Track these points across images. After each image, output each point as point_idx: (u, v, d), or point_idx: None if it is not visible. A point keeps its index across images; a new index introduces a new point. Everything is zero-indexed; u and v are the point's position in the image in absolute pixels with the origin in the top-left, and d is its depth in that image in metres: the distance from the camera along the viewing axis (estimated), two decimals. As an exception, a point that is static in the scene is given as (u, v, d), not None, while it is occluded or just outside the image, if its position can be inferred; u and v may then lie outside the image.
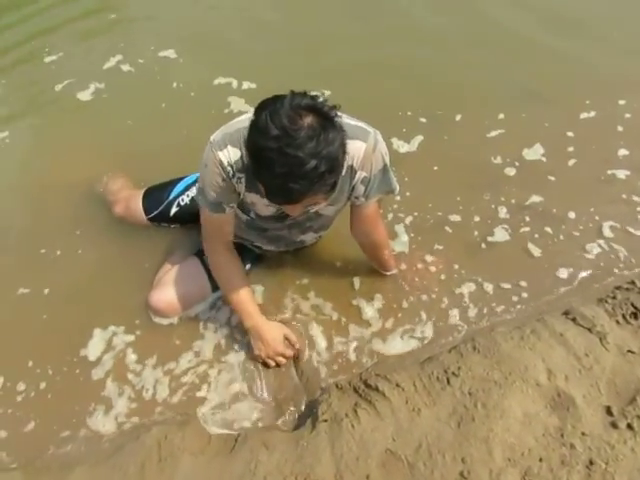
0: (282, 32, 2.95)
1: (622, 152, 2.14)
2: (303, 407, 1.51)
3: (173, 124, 2.41)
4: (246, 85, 2.60)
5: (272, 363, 1.58)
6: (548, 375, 1.37)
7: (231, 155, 1.34)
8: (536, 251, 1.83)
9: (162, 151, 2.24)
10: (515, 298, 1.71)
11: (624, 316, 1.52)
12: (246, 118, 1.35)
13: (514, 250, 1.85)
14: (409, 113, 2.38)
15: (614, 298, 1.58)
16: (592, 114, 2.30)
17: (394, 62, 2.66)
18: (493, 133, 2.27)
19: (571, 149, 2.17)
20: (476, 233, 1.91)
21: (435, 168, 2.14)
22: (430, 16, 2.94)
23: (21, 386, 1.61)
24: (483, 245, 1.87)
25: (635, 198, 1.97)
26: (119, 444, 1.43)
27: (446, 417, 1.32)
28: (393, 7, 3.06)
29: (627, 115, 2.29)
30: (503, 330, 1.53)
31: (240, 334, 1.67)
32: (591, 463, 1.18)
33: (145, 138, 2.35)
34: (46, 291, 1.84)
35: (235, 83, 2.62)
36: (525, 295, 1.72)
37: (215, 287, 1.71)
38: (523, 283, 1.75)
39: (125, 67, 2.79)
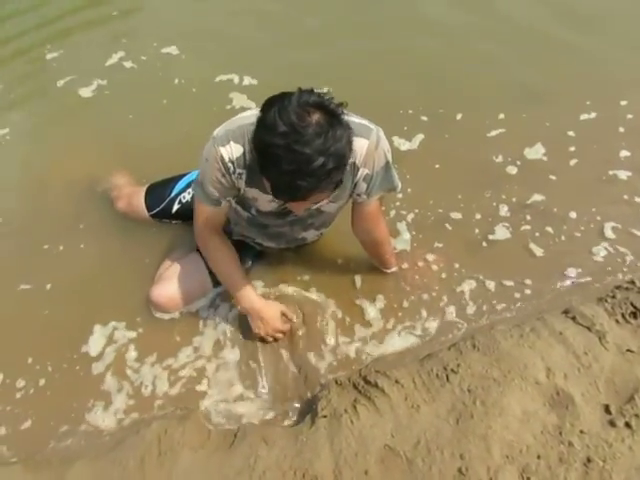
0: (284, 28, 2.95)
1: (624, 153, 2.13)
2: (302, 403, 1.52)
3: (175, 120, 2.42)
4: (247, 81, 2.60)
5: (270, 339, 1.62)
6: (547, 373, 1.38)
7: (233, 151, 1.34)
8: (537, 250, 1.84)
9: (164, 147, 2.24)
10: (515, 296, 1.72)
11: (623, 315, 1.52)
12: (249, 114, 1.36)
13: (515, 248, 1.85)
14: (410, 111, 2.38)
15: (614, 297, 1.58)
16: (593, 115, 2.30)
17: (395, 60, 2.66)
18: (494, 132, 2.27)
19: (572, 149, 2.17)
20: (477, 231, 1.91)
21: (437, 166, 2.14)
22: (433, 15, 2.94)
23: (21, 382, 1.62)
24: (484, 243, 1.87)
25: (637, 199, 1.97)
26: (119, 438, 1.44)
27: (445, 414, 1.32)
28: (395, 6, 3.06)
29: (629, 116, 2.28)
30: (503, 328, 1.54)
31: (240, 329, 1.67)
32: (589, 461, 1.19)
33: (147, 134, 2.36)
34: (48, 286, 1.85)
35: (237, 79, 2.62)
36: (525, 294, 1.72)
37: (216, 283, 1.72)
38: (523, 282, 1.75)
39: (127, 63, 2.80)
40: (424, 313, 1.69)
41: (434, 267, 1.81)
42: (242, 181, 1.41)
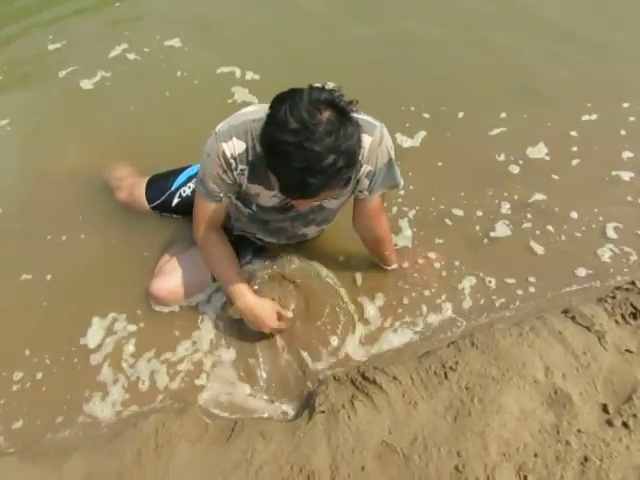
0: (287, 23, 2.95)
1: (626, 154, 2.13)
2: (300, 398, 1.52)
3: (177, 113, 2.41)
4: (249, 75, 2.60)
5: (267, 331, 1.59)
6: (545, 372, 1.38)
7: (236, 147, 1.34)
8: (538, 249, 1.84)
9: (165, 140, 2.24)
10: (515, 295, 1.72)
11: (623, 316, 1.52)
12: (252, 110, 1.36)
13: (515, 247, 1.85)
14: (412, 108, 2.37)
15: (614, 298, 1.58)
16: (594, 116, 2.30)
17: (398, 57, 2.66)
18: (495, 131, 2.27)
19: (575, 149, 2.17)
20: (478, 228, 1.91)
21: (439, 164, 2.14)
22: (434, 15, 2.93)
23: (19, 374, 1.62)
24: (485, 240, 1.87)
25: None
26: (117, 430, 1.44)
27: (442, 411, 1.32)
28: (399, 4, 3.04)
29: (631, 118, 2.28)
30: (502, 327, 1.54)
31: (239, 324, 1.67)
32: (586, 460, 1.19)
33: (149, 126, 2.35)
34: (48, 277, 1.85)
35: (239, 73, 2.62)
36: (525, 292, 1.72)
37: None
38: (523, 280, 1.75)
39: (130, 55, 2.79)
40: (423, 310, 1.69)
41: (435, 265, 1.80)
42: (244, 177, 1.40)
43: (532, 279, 1.75)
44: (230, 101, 2.47)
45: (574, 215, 1.92)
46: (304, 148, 1.06)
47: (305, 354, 1.60)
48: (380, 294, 1.74)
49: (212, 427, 1.42)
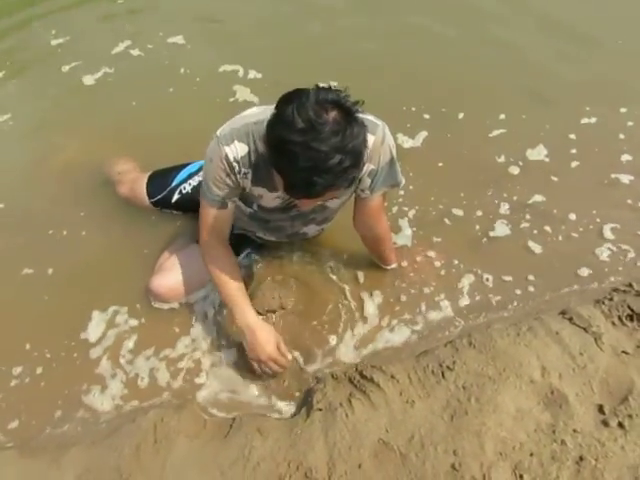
0: (289, 21, 2.95)
1: (625, 157, 2.13)
2: (298, 396, 1.52)
3: (179, 110, 2.42)
4: (252, 74, 2.60)
5: (262, 369, 1.49)
6: (542, 372, 1.39)
7: (238, 150, 1.33)
8: (536, 248, 1.84)
9: (166, 137, 2.24)
10: (513, 295, 1.72)
11: (620, 317, 1.53)
12: (253, 112, 1.36)
13: (514, 247, 1.85)
14: (413, 109, 2.38)
15: (611, 300, 1.58)
16: (593, 120, 2.30)
17: (399, 57, 2.66)
18: (495, 132, 2.28)
19: (574, 151, 2.18)
20: (477, 227, 1.92)
21: (440, 164, 2.14)
22: (437, 15, 2.93)
23: (18, 368, 1.62)
24: (484, 240, 1.88)
25: (639, 203, 1.97)
26: (115, 425, 1.45)
27: (439, 410, 1.33)
28: (402, 5, 3.05)
29: (629, 123, 2.28)
30: (499, 327, 1.55)
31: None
32: (581, 459, 1.20)
33: (151, 123, 2.36)
34: (49, 271, 1.86)
35: (241, 71, 2.62)
36: (523, 292, 1.73)
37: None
38: (522, 280, 1.76)
39: (134, 52, 2.80)
40: (421, 309, 1.70)
41: (435, 263, 1.81)
42: (248, 180, 1.40)
43: (530, 279, 1.76)
44: (232, 100, 2.48)
45: (572, 217, 1.93)
46: (311, 148, 1.06)
47: (304, 352, 1.61)
48: (379, 292, 1.74)
49: (210, 423, 1.43)
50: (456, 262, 1.81)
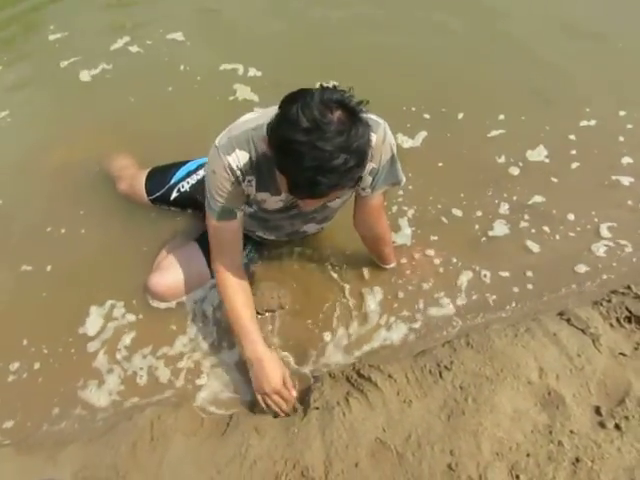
0: (290, 19, 2.94)
1: (626, 160, 2.13)
2: (295, 394, 1.52)
3: (178, 107, 2.42)
4: (252, 72, 2.60)
5: (266, 402, 1.44)
6: (540, 373, 1.39)
7: (240, 158, 1.33)
8: (535, 247, 1.84)
9: (165, 135, 2.24)
10: (511, 296, 1.72)
11: (618, 319, 1.53)
12: (250, 118, 1.35)
13: (513, 248, 1.85)
14: (413, 109, 2.38)
15: (609, 301, 1.58)
16: (592, 122, 2.30)
17: (399, 56, 2.66)
18: (494, 133, 2.28)
19: (574, 152, 2.17)
20: (477, 227, 1.92)
21: (439, 164, 2.14)
22: (437, 15, 2.93)
23: (15, 364, 1.63)
24: (483, 239, 1.88)
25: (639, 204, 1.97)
26: (112, 423, 1.45)
27: (437, 410, 1.33)
28: (403, 3, 3.05)
29: (629, 126, 2.27)
30: (497, 327, 1.55)
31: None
32: (577, 460, 1.20)
33: (150, 120, 2.36)
34: (48, 268, 1.86)
35: (241, 69, 2.62)
36: (522, 293, 1.73)
37: (214, 273, 1.72)
38: (520, 281, 1.76)
39: (133, 48, 2.79)
40: (419, 309, 1.70)
41: (433, 261, 1.81)
42: (252, 187, 1.40)
43: (529, 278, 1.76)
44: (231, 98, 2.48)
45: (571, 217, 1.93)
46: (315, 147, 1.05)
47: (302, 350, 1.61)
48: (377, 291, 1.74)
49: (207, 421, 1.43)
50: (454, 260, 1.82)
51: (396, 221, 1.92)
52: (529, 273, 1.77)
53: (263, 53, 2.70)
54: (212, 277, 1.73)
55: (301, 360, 1.60)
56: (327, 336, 1.65)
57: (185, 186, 1.83)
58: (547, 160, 2.15)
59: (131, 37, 2.84)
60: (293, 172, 1.12)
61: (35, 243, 1.94)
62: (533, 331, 1.50)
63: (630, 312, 1.53)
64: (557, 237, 1.88)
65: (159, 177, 1.89)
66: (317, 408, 1.37)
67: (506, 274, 1.78)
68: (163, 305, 1.73)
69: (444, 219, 1.95)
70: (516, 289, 1.74)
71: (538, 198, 2.00)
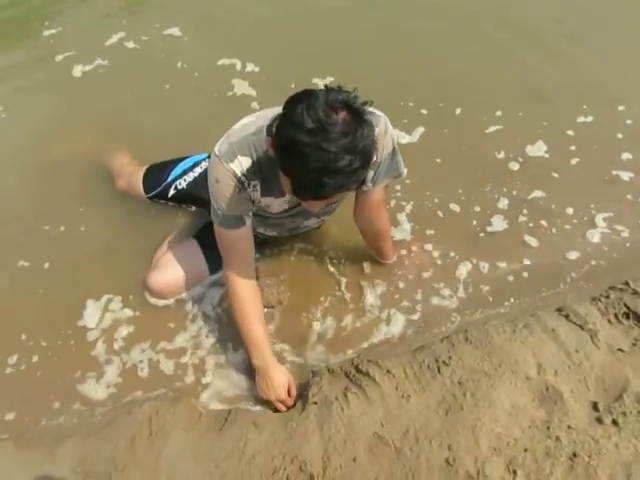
0: (287, 14, 2.92)
1: (626, 155, 2.13)
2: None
3: (176, 104, 2.41)
4: (250, 67, 2.58)
5: (275, 405, 1.47)
6: (538, 369, 1.39)
7: (243, 164, 1.32)
8: (533, 242, 1.84)
9: (163, 130, 2.23)
10: (509, 292, 1.72)
11: (616, 315, 1.52)
12: (248, 122, 1.34)
13: (511, 242, 1.85)
14: (411, 104, 2.37)
15: (607, 297, 1.58)
16: (590, 118, 2.29)
17: (397, 52, 2.65)
18: (492, 129, 2.27)
19: (573, 148, 2.17)
20: (475, 222, 1.92)
21: (437, 160, 2.14)
22: (436, 11, 2.92)
23: (13, 358, 1.63)
24: (482, 234, 1.88)
25: (639, 199, 1.97)
26: (111, 418, 1.45)
27: (435, 405, 1.33)
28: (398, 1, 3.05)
29: (628, 121, 2.27)
30: (496, 323, 1.55)
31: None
32: (575, 456, 1.20)
33: (147, 116, 2.35)
34: (46, 265, 1.85)
35: (239, 65, 2.60)
36: (519, 290, 1.73)
37: (213, 270, 1.72)
38: (518, 278, 1.76)
39: (129, 44, 2.77)
40: (418, 305, 1.70)
41: (432, 255, 1.82)
42: (257, 193, 1.39)
43: (527, 274, 1.76)
44: (230, 94, 2.46)
45: (570, 211, 1.93)
46: (320, 148, 1.04)
47: (300, 345, 1.62)
48: (376, 286, 1.75)
49: (205, 416, 1.43)
50: (453, 255, 1.82)
51: (395, 216, 1.92)
52: (527, 268, 1.78)
53: (261, 48, 2.68)
54: (211, 274, 1.74)
55: (299, 355, 1.60)
56: (326, 331, 1.65)
57: (182, 184, 1.83)
58: (547, 155, 2.15)
59: (126, 32, 2.82)
60: (298, 173, 1.11)
61: (33, 239, 1.93)
62: (531, 327, 1.50)
63: (628, 308, 1.53)
64: (556, 231, 1.88)
65: (156, 175, 1.89)
66: (315, 403, 1.37)
67: (504, 269, 1.78)
68: (161, 302, 1.73)
69: (442, 214, 1.95)
70: (514, 285, 1.74)
71: (538, 193, 2.00)
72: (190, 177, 1.81)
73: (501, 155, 2.15)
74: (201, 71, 2.60)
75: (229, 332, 1.65)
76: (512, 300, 1.70)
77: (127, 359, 1.62)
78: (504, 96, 2.43)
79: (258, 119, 1.32)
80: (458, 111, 2.35)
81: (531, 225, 1.90)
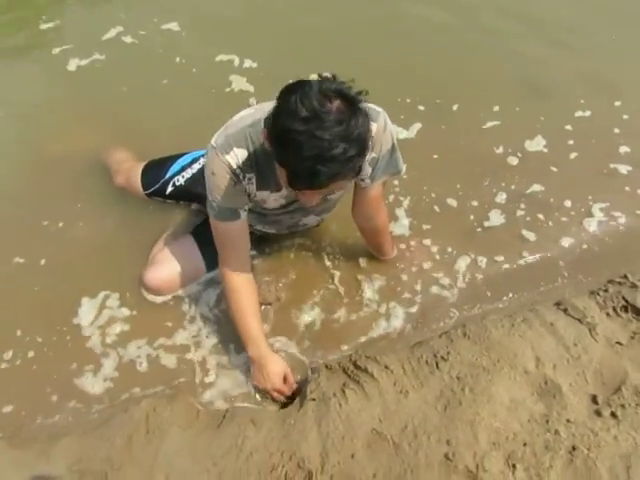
0: (285, 9, 2.91)
1: (624, 149, 2.13)
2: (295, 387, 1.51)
3: (174, 99, 2.40)
4: (247, 64, 2.57)
5: (273, 394, 1.49)
6: (536, 363, 1.38)
7: (239, 156, 1.31)
8: (531, 236, 1.84)
9: (161, 126, 2.22)
10: (507, 287, 1.72)
11: (615, 309, 1.53)
12: (245, 115, 1.34)
13: (509, 236, 1.85)
14: (408, 100, 2.36)
15: (606, 291, 1.58)
16: (587, 113, 2.29)
17: (394, 48, 2.64)
18: (489, 124, 2.27)
19: (571, 142, 2.17)
20: (472, 217, 1.92)
21: (435, 156, 2.13)
22: (433, 6, 2.91)
23: (8, 354, 1.61)
24: (479, 229, 1.88)
25: (637, 191, 1.97)
26: (107, 415, 1.44)
27: (433, 400, 1.33)
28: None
29: (625, 116, 2.27)
30: (494, 318, 1.54)
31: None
32: (574, 449, 1.19)
33: (145, 112, 2.34)
34: (42, 262, 1.84)
35: (237, 61, 2.59)
36: (518, 284, 1.72)
37: (209, 267, 1.71)
38: (516, 273, 1.76)
39: (126, 39, 2.75)
40: (416, 300, 1.69)
41: (430, 250, 1.82)
42: (253, 186, 1.38)
43: (525, 269, 1.76)
44: (227, 90, 2.45)
45: (568, 204, 1.93)
46: (314, 136, 1.04)
47: (298, 342, 1.61)
48: (375, 282, 1.74)
49: (203, 413, 1.42)
50: (450, 250, 1.81)
51: (393, 211, 1.92)
52: (525, 263, 1.77)
53: (259, 44, 2.67)
54: (207, 271, 1.73)
55: (297, 351, 1.59)
56: (324, 327, 1.64)
57: (180, 180, 1.82)
58: (546, 150, 2.15)
59: (124, 27, 2.80)
60: (292, 162, 1.10)
61: (30, 236, 1.92)
62: (530, 321, 1.50)
63: (626, 301, 1.53)
64: (554, 225, 1.88)
65: (154, 171, 1.87)
66: (313, 399, 1.37)
67: (503, 264, 1.78)
68: (159, 299, 1.72)
69: (440, 209, 1.95)
70: (513, 279, 1.73)
71: (537, 187, 2.00)
72: (188, 173, 1.80)
73: (500, 150, 2.15)
74: (199, 66, 2.58)
75: (228, 329, 1.63)
76: (510, 295, 1.70)
77: (124, 356, 1.60)
78: (501, 92, 2.43)
79: (256, 112, 1.31)
80: (455, 107, 2.34)
81: (529, 219, 1.90)
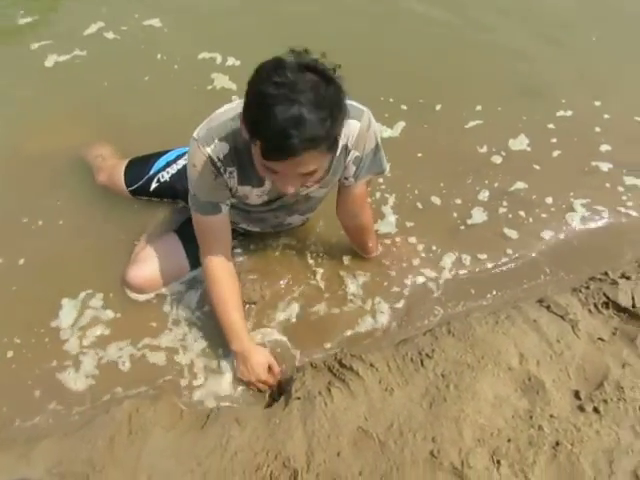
0: (268, 6, 2.90)
1: (605, 147, 2.17)
2: (277, 384, 1.51)
3: (155, 96, 2.37)
4: (230, 61, 2.56)
5: (256, 386, 1.50)
6: (520, 359, 1.39)
7: (220, 149, 1.30)
8: (513, 234, 1.86)
9: (143, 123, 2.20)
10: (491, 284, 1.73)
11: (596, 305, 1.55)
12: (228, 109, 1.32)
13: (491, 235, 1.86)
14: (391, 99, 2.37)
15: (587, 288, 1.60)
16: (569, 112, 2.33)
17: (377, 48, 2.65)
18: (472, 124, 2.29)
19: (554, 141, 2.20)
20: (456, 215, 1.93)
21: (419, 154, 2.14)
22: (417, 6, 2.92)
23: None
24: (462, 227, 1.89)
25: (618, 188, 2.01)
26: (89, 417, 1.41)
27: (418, 397, 1.33)
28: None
29: (606, 116, 2.31)
30: (478, 315, 1.55)
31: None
32: (557, 444, 1.21)
33: (126, 109, 2.30)
34: (21, 262, 1.80)
35: (219, 59, 2.57)
36: (501, 282, 1.74)
37: (193, 265, 1.69)
38: (499, 270, 1.77)
39: (108, 34, 2.71)
40: (400, 298, 1.70)
41: (415, 248, 1.82)
42: (234, 180, 1.37)
43: (508, 266, 1.78)
44: (209, 87, 2.43)
45: (549, 200, 1.96)
46: (288, 98, 1.03)
47: (283, 341, 1.60)
48: (357, 280, 1.74)
49: (187, 414, 1.40)
50: (434, 248, 1.82)
51: (379, 209, 1.92)
52: (508, 260, 1.79)
53: (242, 41, 2.65)
54: (191, 269, 1.71)
55: (283, 350, 1.58)
56: (310, 325, 1.64)
57: (165, 176, 1.79)
58: (529, 149, 2.18)
59: (106, 22, 2.75)
60: (265, 127, 1.07)
61: (8, 235, 1.87)
62: (513, 318, 1.51)
63: (608, 298, 1.55)
64: (535, 222, 1.90)
65: (138, 168, 1.85)
66: (299, 398, 1.36)
67: (486, 261, 1.79)
68: (142, 297, 1.70)
69: (423, 207, 1.95)
70: (496, 277, 1.75)
71: (520, 184, 2.02)
72: (173, 169, 1.78)
73: (483, 149, 2.17)
74: (181, 63, 2.56)
75: (212, 328, 1.61)
76: (494, 292, 1.71)
77: (105, 356, 1.58)
78: (483, 92, 2.45)
79: (238, 106, 1.29)
80: (438, 107, 2.36)
81: (511, 217, 1.92)
